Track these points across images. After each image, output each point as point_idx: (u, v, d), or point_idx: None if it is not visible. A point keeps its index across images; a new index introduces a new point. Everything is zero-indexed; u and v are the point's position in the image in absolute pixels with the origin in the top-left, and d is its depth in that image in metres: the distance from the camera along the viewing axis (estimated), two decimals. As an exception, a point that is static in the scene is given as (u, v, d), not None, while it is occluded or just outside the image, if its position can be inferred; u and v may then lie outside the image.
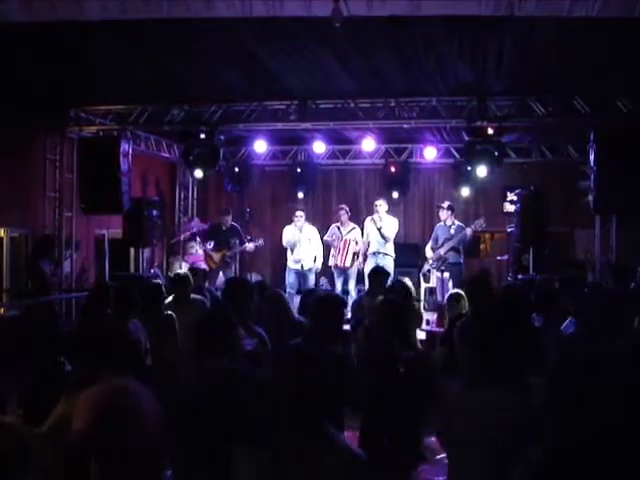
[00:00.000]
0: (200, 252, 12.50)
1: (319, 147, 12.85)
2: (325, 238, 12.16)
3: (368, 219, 12.04)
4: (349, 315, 7.33)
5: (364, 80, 9.33)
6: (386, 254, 11.73)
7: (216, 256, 12.04)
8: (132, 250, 12.56)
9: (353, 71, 8.90)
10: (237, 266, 12.65)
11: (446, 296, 10.94)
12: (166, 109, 10.72)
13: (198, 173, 11.09)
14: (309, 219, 12.73)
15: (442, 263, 11.54)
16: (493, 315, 4.39)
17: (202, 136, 10.50)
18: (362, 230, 12.21)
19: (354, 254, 11.90)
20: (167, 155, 13.41)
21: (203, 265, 11.82)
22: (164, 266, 13.57)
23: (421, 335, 6.93)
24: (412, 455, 4.73)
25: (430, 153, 13.20)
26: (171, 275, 9.37)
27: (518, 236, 11.72)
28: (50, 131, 10.67)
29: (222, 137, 10.99)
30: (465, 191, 13.35)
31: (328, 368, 4.32)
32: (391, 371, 4.54)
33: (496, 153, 10.02)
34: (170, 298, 6.91)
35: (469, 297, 6.26)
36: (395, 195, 13.29)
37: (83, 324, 5.86)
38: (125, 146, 10.23)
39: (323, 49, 7.81)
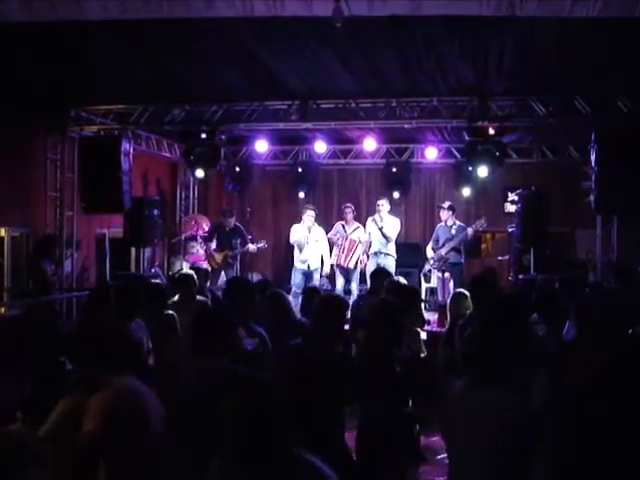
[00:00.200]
0: (201, 252, 12.50)
1: (320, 147, 12.85)
2: (329, 236, 12.13)
3: (370, 219, 12.01)
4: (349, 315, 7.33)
5: (365, 80, 9.33)
6: (387, 254, 11.71)
7: (218, 256, 12.03)
8: (133, 250, 12.57)
9: (354, 71, 8.89)
10: (238, 266, 12.65)
11: (448, 296, 11.00)
12: (167, 109, 10.72)
13: (199, 173, 11.08)
14: (310, 219, 12.72)
15: (443, 263, 11.54)
16: (493, 315, 4.40)
17: (203, 136, 10.49)
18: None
19: (358, 258, 11.85)
20: (168, 154, 13.41)
21: (204, 265, 11.82)
22: (165, 266, 13.57)
23: (422, 335, 6.93)
24: (410, 455, 4.73)
25: (431, 153, 13.20)
26: (172, 275, 9.40)
27: (519, 236, 11.71)
28: (51, 131, 10.68)
29: (223, 137, 10.99)
30: (466, 191, 13.35)
31: (328, 368, 4.34)
32: (387, 370, 4.54)
33: (497, 153, 10.01)
34: (176, 297, 6.90)
35: (472, 297, 6.25)
36: (396, 195, 13.29)
37: (84, 323, 5.87)
38: (126, 145, 10.22)
39: (324, 49, 7.81)
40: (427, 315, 9.82)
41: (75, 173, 10.84)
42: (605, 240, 10.97)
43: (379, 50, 7.91)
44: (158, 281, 7.42)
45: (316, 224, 12.12)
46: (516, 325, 4.49)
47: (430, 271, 12.18)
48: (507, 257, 13.33)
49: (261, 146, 12.70)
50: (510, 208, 13.40)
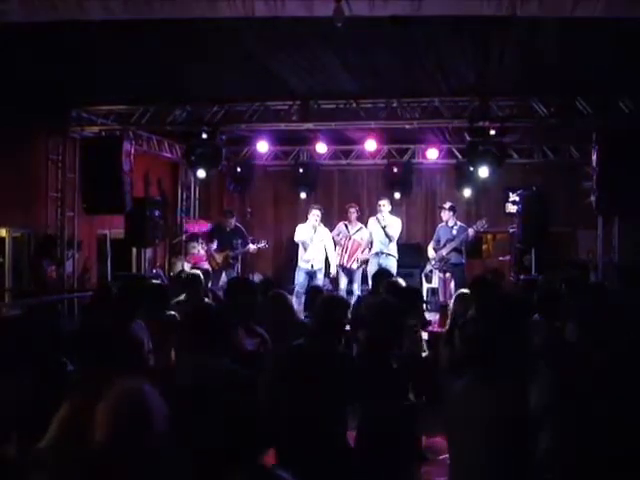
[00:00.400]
0: (202, 252, 12.50)
1: (321, 147, 12.84)
2: (331, 235, 12.12)
3: (372, 219, 11.98)
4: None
5: (366, 80, 9.34)
6: (389, 254, 11.69)
7: (219, 257, 12.03)
8: (134, 250, 12.57)
9: (355, 71, 8.90)
10: (239, 267, 12.65)
11: (449, 296, 10.99)
12: (168, 109, 10.72)
13: (201, 173, 11.09)
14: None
15: (444, 264, 11.53)
16: (493, 315, 4.40)
17: (204, 136, 10.50)
18: (365, 230, 12.18)
19: (361, 259, 11.83)
20: (169, 155, 13.42)
21: (205, 265, 11.82)
22: (166, 266, 13.57)
23: (424, 336, 6.93)
24: (411, 454, 4.72)
25: (432, 153, 13.21)
26: (179, 275, 9.37)
27: (520, 236, 11.71)
28: (52, 131, 10.68)
29: (224, 137, 10.99)
30: (467, 192, 13.35)
31: (329, 368, 4.34)
32: (386, 370, 4.54)
33: (498, 154, 10.02)
34: (182, 297, 6.89)
35: (472, 297, 6.25)
36: (397, 196, 13.30)
37: (85, 324, 5.87)
38: (127, 146, 10.23)
39: (325, 49, 7.82)
40: (428, 315, 9.82)
41: (76, 174, 10.84)
42: (606, 240, 10.96)
43: (380, 50, 7.92)
44: (159, 282, 7.40)
45: (322, 224, 12.09)
46: (516, 325, 4.48)
47: (431, 271, 12.18)
48: (508, 257, 13.33)
49: (262, 146, 12.71)
50: (511, 208, 13.41)
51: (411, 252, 13.29)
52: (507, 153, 11.01)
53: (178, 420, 3.64)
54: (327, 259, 11.97)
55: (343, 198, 14.25)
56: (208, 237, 12.53)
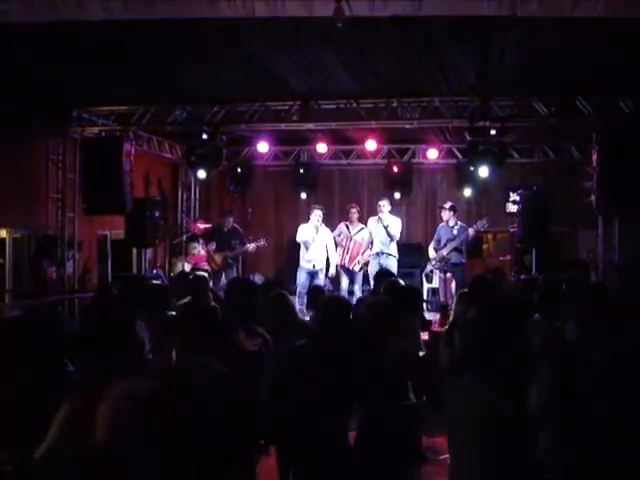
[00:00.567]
0: (203, 253, 12.50)
1: (321, 147, 12.85)
2: (332, 235, 12.11)
3: (372, 219, 11.97)
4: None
5: (366, 80, 9.34)
6: (389, 254, 11.69)
7: (218, 257, 12.03)
8: (134, 251, 12.56)
9: (355, 71, 8.90)
10: (240, 267, 12.65)
11: (449, 296, 11.00)
12: (168, 110, 10.72)
13: (201, 173, 11.09)
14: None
15: (445, 264, 11.53)
16: (493, 315, 4.39)
17: (204, 136, 10.51)
18: (365, 230, 12.17)
19: (362, 261, 11.81)
20: (169, 155, 13.42)
21: (206, 266, 11.82)
22: (166, 267, 13.57)
23: (424, 336, 6.94)
24: (411, 455, 4.72)
25: (432, 153, 13.21)
26: (173, 275, 9.39)
27: (520, 236, 11.71)
28: (52, 131, 10.68)
29: (224, 137, 10.99)
30: (467, 191, 13.35)
31: (330, 368, 4.34)
32: (382, 370, 4.54)
33: (498, 153, 10.02)
34: (187, 299, 6.88)
35: (473, 297, 6.25)
36: (397, 196, 13.30)
37: (86, 325, 5.86)
38: (127, 146, 10.24)
39: (325, 49, 7.82)
40: (429, 315, 9.83)
41: (77, 174, 10.84)
42: (606, 240, 10.97)
43: (380, 50, 7.92)
44: (159, 282, 7.40)
45: (323, 224, 12.09)
46: (516, 325, 4.48)
47: (432, 271, 12.18)
48: (508, 257, 13.33)
49: (262, 147, 12.72)
50: (512, 208, 13.41)
51: (411, 252, 13.28)
52: (507, 153, 11.01)
53: (178, 420, 3.64)
54: (328, 259, 11.97)
55: (343, 198, 14.26)
56: (208, 237, 12.53)
